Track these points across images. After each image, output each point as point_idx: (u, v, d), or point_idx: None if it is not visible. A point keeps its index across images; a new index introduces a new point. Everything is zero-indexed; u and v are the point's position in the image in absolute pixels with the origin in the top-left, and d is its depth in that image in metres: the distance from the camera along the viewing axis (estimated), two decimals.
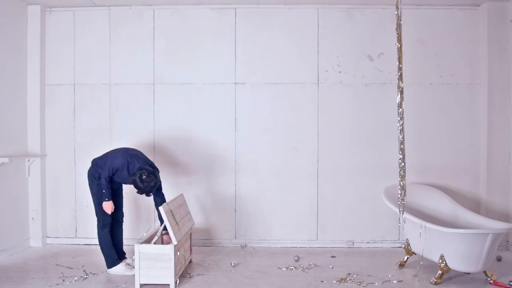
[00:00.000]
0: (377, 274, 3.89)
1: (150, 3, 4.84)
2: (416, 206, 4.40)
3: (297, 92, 4.90)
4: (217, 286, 3.57)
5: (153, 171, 3.70)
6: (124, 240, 4.13)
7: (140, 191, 3.69)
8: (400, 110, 3.81)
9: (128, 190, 4.13)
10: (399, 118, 3.79)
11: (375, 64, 4.89)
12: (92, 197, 3.92)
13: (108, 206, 3.79)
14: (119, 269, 3.86)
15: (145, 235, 3.91)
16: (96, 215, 3.91)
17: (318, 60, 4.90)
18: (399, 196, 3.85)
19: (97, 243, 3.94)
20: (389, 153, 4.75)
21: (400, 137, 3.81)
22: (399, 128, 3.82)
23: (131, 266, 3.90)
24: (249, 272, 3.93)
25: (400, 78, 3.85)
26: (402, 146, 3.81)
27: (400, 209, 3.85)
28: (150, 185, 3.66)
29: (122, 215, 4.09)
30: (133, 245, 3.57)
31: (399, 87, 3.85)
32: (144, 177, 3.62)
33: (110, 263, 3.87)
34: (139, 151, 4.00)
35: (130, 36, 4.93)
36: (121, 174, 3.79)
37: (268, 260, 4.36)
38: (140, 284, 3.46)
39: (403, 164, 3.81)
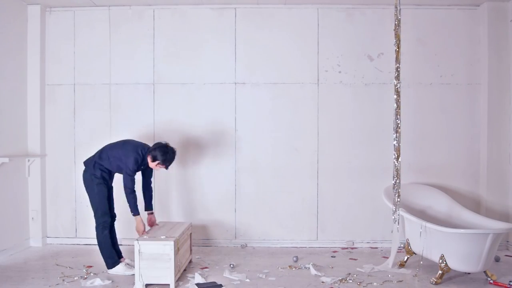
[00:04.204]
0: (377, 274, 3.89)
1: (150, 3, 4.84)
2: (416, 206, 4.40)
3: (297, 92, 4.90)
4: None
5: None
6: (122, 240, 4.12)
7: (167, 161, 3.82)
8: (396, 107, 3.85)
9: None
10: (395, 117, 3.84)
11: (375, 64, 4.89)
12: (92, 199, 3.88)
13: (140, 223, 3.83)
14: (119, 269, 3.86)
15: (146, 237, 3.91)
16: (96, 217, 3.89)
17: (318, 60, 4.90)
18: (395, 196, 3.87)
19: (97, 243, 3.93)
20: (389, 153, 4.73)
21: (395, 136, 3.85)
22: (394, 127, 3.86)
23: (130, 265, 3.90)
24: (249, 272, 3.93)
25: (397, 77, 3.88)
26: (397, 145, 3.86)
27: (395, 207, 3.88)
28: (174, 153, 3.88)
29: (115, 216, 4.08)
30: (132, 245, 3.56)
31: (395, 86, 3.88)
32: (169, 147, 3.84)
33: (111, 264, 3.87)
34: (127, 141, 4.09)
35: (130, 36, 4.92)
36: (143, 162, 3.87)
37: (268, 260, 4.36)
38: (142, 284, 3.46)
39: (397, 163, 3.85)
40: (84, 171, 3.94)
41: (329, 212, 4.89)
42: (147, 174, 4.07)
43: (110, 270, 3.88)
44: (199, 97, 4.91)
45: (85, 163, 3.98)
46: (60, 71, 4.96)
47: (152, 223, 4.04)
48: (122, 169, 3.85)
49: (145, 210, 4.05)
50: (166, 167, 3.89)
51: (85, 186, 3.93)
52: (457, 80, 4.88)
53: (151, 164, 3.86)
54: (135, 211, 3.82)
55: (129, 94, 4.92)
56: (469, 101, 4.88)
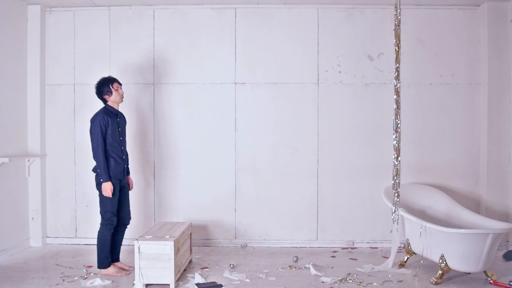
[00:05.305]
0: (377, 274, 3.90)
1: (150, 3, 4.84)
2: (416, 206, 4.40)
3: (297, 92, 4.90)
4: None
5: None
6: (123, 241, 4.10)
7: (111, 80, 3.92)
8: (396, 107, 3.85)
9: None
10: (395, 117, 3.84)
11: (375, 64, 4.89)
12: (101, 199, 3.82)
13: (107, 188, 3.75)
14: (109, 271, 3.82)
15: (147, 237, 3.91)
16: (103, 217, 3.83)
17: (318, 60, 4.90)
18: (394, 196, 3.87)
19: (96, 242, 3.91)
20: (389, 153, 4.74)
21: (395, 136, 3.86)
22: (394, 127, 3.86)
23: (121, 270, 3.87)
24: (249, 272, 3.93)
25: (397, 77, 3.88)
26: (397, 145, 3.86)
27: (394, 207, 3.88)
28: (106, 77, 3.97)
29: (129, 219, 4.05)
30: (132, 245, 3.56)
31: (395, 86, 3.89)
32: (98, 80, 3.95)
33: (105, 265, 3.82)
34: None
35: (130, 36, 4.93)
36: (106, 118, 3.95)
37: (268, 260, 4.36)
38: (142, 284, 3.46)
39: (397, 162, 3.85)
40: (96, 175, 3.89)
41: (329, 212, 4.89)
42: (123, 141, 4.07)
43: (103, 270, 3.83)
44: (199, 97, 4.91)
45: (94, 170, 3.92)
46: (60, 71, 4.96)
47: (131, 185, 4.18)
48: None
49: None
50: (119, 83, 3.99)
51: (97, 188, 3.87)
52: (457, 80, 4.88)
53: (114, 97, 3.94)
54: (106, 176, 3.78)
55: (129, 94, 4.90)
56: (469, 101, 4.88)
